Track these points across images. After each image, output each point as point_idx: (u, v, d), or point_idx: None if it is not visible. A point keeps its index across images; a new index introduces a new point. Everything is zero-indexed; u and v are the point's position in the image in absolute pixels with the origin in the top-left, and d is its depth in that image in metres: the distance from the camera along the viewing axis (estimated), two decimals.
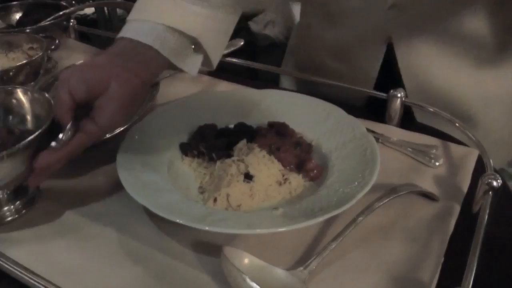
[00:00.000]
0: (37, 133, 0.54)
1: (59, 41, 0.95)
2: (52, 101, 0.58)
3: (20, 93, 0.62)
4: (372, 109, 0.78)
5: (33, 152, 0.54)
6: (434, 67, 0.81)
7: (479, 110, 0.83)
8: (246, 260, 0.49)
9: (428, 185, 0.63)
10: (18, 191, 0.61)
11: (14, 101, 0.62)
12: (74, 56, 0.99)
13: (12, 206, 0.60)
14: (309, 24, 0.94)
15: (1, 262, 0.53)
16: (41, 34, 0.86)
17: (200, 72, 0.91)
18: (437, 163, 0.66)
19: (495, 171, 0.60)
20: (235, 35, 0.99)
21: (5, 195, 0.60)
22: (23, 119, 0.62)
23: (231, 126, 0.71)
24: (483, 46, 0.78)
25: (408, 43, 0.80)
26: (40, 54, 0.77)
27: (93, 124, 0.54)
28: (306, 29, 0.97)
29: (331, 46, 0.90)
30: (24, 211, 0.60)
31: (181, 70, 0.59)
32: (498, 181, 0.56)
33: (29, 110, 0.61)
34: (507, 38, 0.78)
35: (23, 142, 0.52)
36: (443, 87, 0.82)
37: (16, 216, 0.60)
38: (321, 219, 0.52)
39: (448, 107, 0.77)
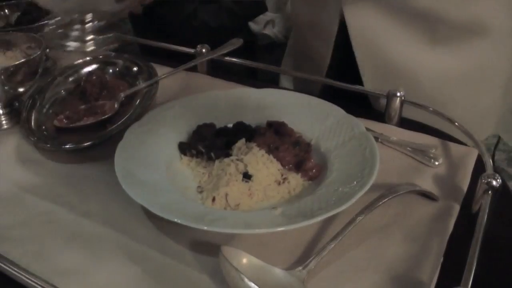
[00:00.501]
0: None
1: None
2: None
3: None
4: (360, 104, 0.78)
5: None
6: (388, 42, 0.80)
7: (435, 87, 0.82)
8: (244, 260, 0.49)
9: (428, 185, 0.62)
10: (108, 27, 0.60)
11: None
12: (72, 54, 0.99)
13: (96, 40, 0.60)
14: (296, 11, 0.99)
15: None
16: (39, 33, 0.86)
17: (199, 71, 0.91)
18: (436, 163, 0.66)
19: (495, 170, 0.59)
20: (235, 35, 0.99)
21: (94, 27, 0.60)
22: None
23: (230, 125, 0.71)
24: (440, 21, 0.77)
25: (360, 17, 0.80)
26: (38, 53, 0.76)
27: None
28: (295, 16, 1.01)
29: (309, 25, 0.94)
30: (104, 47, 0.60)
31: None
32: (498, 180, 0.56)
33: None
34: (466, 12, 0.77)
35: None
36: (397, 63, 0.81)
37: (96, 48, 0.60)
38: (320, 218, 0.52)
39: (403, 83, 0.77)
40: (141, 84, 0.78)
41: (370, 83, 0.84)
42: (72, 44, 0.61)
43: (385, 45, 0.81)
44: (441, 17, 0.77)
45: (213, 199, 0.58)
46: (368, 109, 0.85)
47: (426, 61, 0.81)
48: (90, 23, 0.60)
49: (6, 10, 1.01)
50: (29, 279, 0.51)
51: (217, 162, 0.64)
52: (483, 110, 0.87)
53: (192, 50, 0.91)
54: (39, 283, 0.50)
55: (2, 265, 0.52)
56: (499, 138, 1.88)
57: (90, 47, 0.60)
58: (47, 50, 0.86)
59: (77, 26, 0.61)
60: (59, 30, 0.62)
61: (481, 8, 0.76)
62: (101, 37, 0.61)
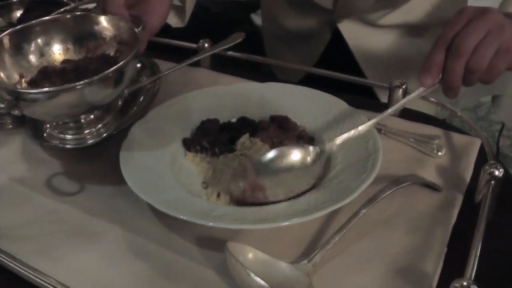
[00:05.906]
0: (128, 58, 0.57)
1: None
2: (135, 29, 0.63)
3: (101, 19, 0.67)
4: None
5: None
6: (379, 45, 0.96)
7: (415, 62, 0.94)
8: (250, 255, 0.50)
9: (431, 175, 0.63)
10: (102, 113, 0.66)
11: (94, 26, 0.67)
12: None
13: (93, 129, 0.65)
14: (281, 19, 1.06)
15: (5, 260, 0.54)
16: None
17: (202, 66, 0.91)
18: (439, 153, 0.66)
19: (500, 157, 0.60)
20: (238, 27, 0.99)
21: (89, 119, 0.64)
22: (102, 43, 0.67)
23: (233, 120, 0.71)
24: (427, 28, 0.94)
25: (353, 28, 0.94)
26: None
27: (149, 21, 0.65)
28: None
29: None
30: (104, 134, 0.65)
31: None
32: (500, 170, 0.56)
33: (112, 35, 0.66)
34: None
35: (117, 67, 0.56)
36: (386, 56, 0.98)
37: (98, 139, 0.64)
38: (324, 212, 0.52)
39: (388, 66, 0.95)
40: (145, 81, 0.78)
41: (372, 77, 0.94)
42: (70, 138, 0.65)
43: (377, 48, 0.96)
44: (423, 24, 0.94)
45: (218, 195, 0.59)
46: (370, 99, 0.85)
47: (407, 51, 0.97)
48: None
49: (9, 9, 1.01)
50: (36, 277, 0.52)
51: (221, 157, 0.64)
52: None
53: (194, 45, 0.91)
54: (46, 281, 0.51)
55: (12, 265, 0.53)
56: (503, 125, 1.88)
57: (90, 140, 0.64)
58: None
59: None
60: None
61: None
62: (99, 125, 0.65)
